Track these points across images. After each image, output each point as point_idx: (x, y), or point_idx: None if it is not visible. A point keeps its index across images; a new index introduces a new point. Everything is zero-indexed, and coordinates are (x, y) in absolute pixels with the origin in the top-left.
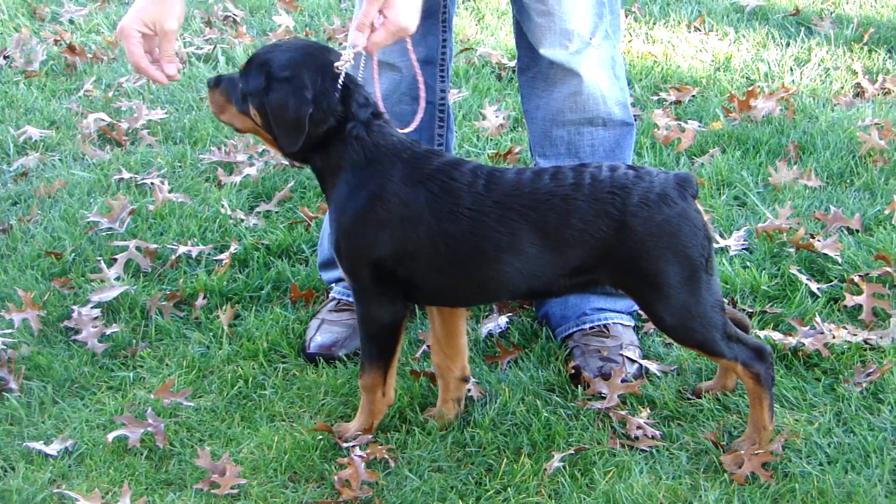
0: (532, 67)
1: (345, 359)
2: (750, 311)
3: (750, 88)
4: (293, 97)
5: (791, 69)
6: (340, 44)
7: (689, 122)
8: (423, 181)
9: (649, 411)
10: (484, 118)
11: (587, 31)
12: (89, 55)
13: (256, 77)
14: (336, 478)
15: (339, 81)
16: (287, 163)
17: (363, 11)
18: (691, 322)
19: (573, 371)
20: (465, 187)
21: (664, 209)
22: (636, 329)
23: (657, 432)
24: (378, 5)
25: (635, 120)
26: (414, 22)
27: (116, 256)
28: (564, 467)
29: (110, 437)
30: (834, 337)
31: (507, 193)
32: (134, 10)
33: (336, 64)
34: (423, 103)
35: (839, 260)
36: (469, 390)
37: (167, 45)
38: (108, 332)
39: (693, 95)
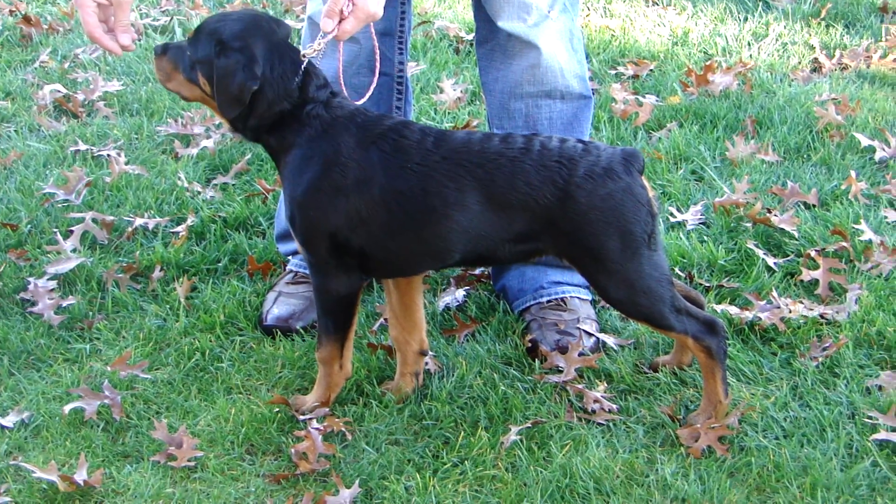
0: (490, 40)
1: (301, 331)
2: (707, 285)
3: (707, 63)
4: (241, 69)
5: (749, 44)
6: (298, 17)
7: (647, 96)
8: (375, 141)
9: (606, 385)
10: (441, 91)
11: (546, 4)
12: (45, 26)
13: (206, 45)
14: (293, 450)
15: (301, 67)
16: (236, 138)
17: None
18: (635, 296)
19: (530, 345)
20: (415, 144)
21: (608, 183)
22: (593, 303)
23: (614, 406)
24: None
25: (593, 94)
26: (381, 8)
27: (73, 228)
28: (521, 440)
29: (67, 408)
30: (790, 311)
31: (456, 150)
32: None
33: (303, 52)
34: (377, 73)
35: (796, 235)
36: (426, 363)
37: (122, 15)
38: (65, 304)
39: (651, 70)
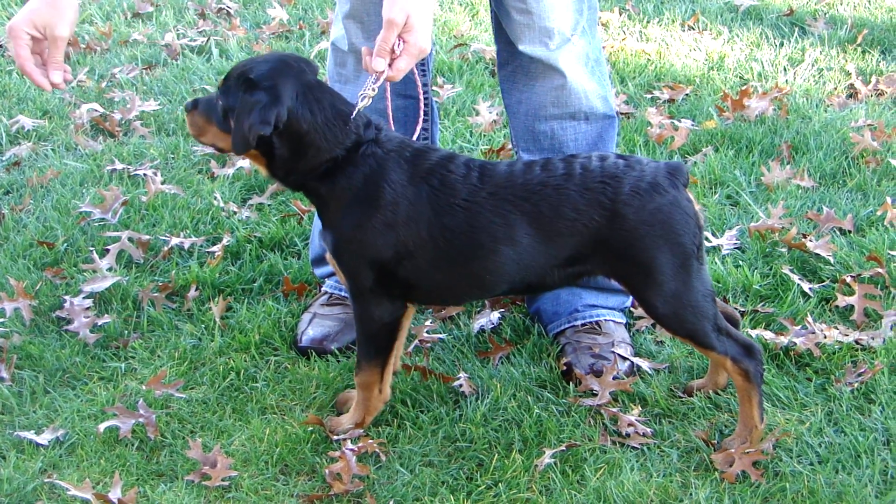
0: (511, 62)
1: (336, 352)
2: (742, 310)
3: (743, 88)
4: (259, 109)
5: (784, 69)
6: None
7: (683, 120)
8: (425, 177)
9: (640, 409)
10: (477, 114)
11: (568, 28)
12: (83, 45)
13: (235, 90)
14: (327, 471)
15: (353, 114)
16: (277, 186)
17: (382, 37)
18: (682, 311)
19: (565, 368)
20: (461, 179)
21: (656, 197)
22: (628, 326)
23: (648, 430)
24: (398, 31)
25: (628, 118)
26: (430, 42)
27: (109, 247)
28: (555, 464)
29: (101, 427)
30: (825, 337)
31: (501, 184)
32: (26, 10)
33: (359, 101)
34: (422, 104)
35: (831, 260)
36: (461, 385)
37: (56, 52)
38: (100, 322)
39: (686, 94)
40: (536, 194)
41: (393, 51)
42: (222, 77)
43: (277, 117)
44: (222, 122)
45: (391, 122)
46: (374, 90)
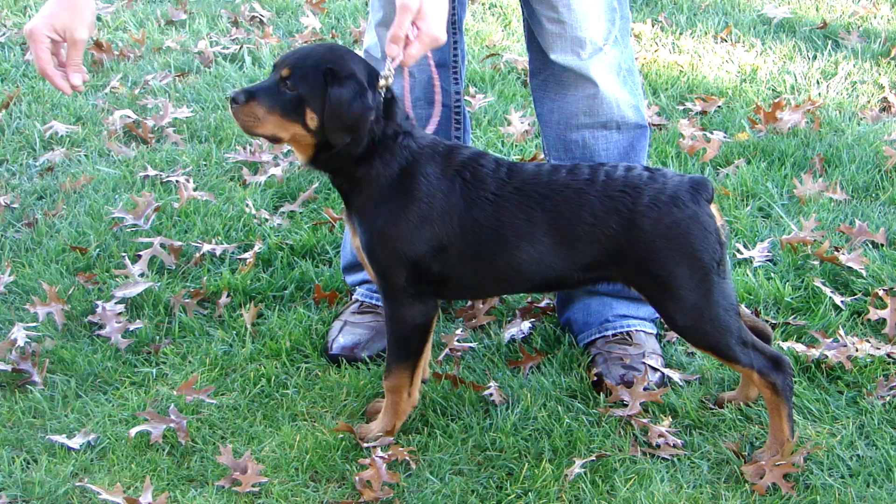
0: (543, 71)
1: (367, 360)
2: (773, 322)
3: (776, 100)
4: (357, 97)
5: (817, 82)
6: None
7: (715, 132)
8: (458, 170)
9: (671, 420)
10: (509, 124)
11: (601, 37)
12: (116, 52)
13: (314, 79)
14: (357, 478)
15: (383, 95)
16: (308, 169)
17: (396, 23)
18: (703, 324)
19: (595, 378)
20: (491, 174)
21: (674, 211)
22: (658, 337)
23: (679, 441)
24: (411, 16)
25: (660, 129)
26: (444, 32)
27: (141, 253)
28: (585, 473)
29: (133, 432)
30: (857, 350)
31: (527, 181)
32: (45, 14)
33: (381, 76)
34: (438, 108)
35: (863, 273)
36: (491, 394)
37: (75, 54)
38: (132, 327)
39: (719, 106)
40: (559, 195)
41: (407, 38)
42: (278, 66)
43: (374, 102)
44: (291, 111)
45: (408, 105)
46: (391, 72)
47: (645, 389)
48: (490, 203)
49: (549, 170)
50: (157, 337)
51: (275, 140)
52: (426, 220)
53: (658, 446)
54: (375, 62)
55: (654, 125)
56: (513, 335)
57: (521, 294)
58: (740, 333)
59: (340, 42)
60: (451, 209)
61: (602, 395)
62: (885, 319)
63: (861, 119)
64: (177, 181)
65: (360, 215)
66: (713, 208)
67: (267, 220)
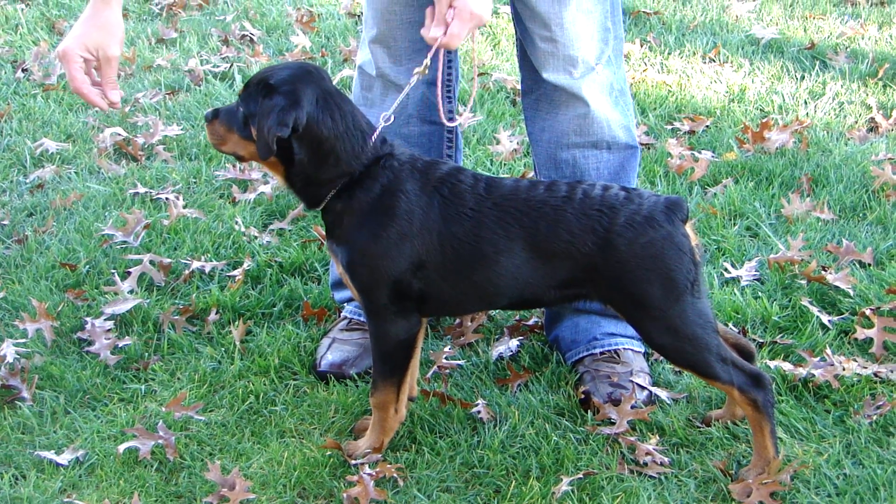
0: (535, 90)
1: (355, 377)
2: (760, 341)
3: (764, 120)
4: (276, 111)
5: (805, 102)
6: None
7: (703, 152)
8: (437, 186)
9: (658, 438)
10: (498, 143)
11: (593, 57)
12: None
13: (255, 96)
14: (345, 495)
15: (377, 129)
16: (288, 191)
17: (436, 9)
18: (680, 343)
19: (583, 396)
20: (469, 189)
21: (649, 231)
22: (646, 355)
23: (666, 459)
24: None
25: (649, 149)
26: (488, 10)
27: (130, 270)
28: (573, 491)
29: (121, 448)
30: (844, 369)
31: (505, 197)
32: (76, 34)
33: (415, 71)
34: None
35: (851, 293)
36: (479, 412)
37: (110, 72)
38: (121, 344)
39: (707, 126)
40: (536, 211)
41: (446, 21)
42: (243, 85)
43: (296, 121)
44: (243, 129)
45: (441, 112)
46: (426, 66)
47: (632, 408)
48: (468, 218)
49: (528, 186)
50: (146, 353)
51: (239, 158)
52: (406, 236)
53: (645, 464)
54: (368, 79)
55: (642, 144)
56: (501, 353)
57: (509, 312)
58: (719, 350)
59: (330, 62)
60: (431, 225)
61: (590, 413)
62: (871, 339)
63: (849, 139)
64: (166, 198)
65: (341, 239)
66: (688, 228)
67: (256, 237)
